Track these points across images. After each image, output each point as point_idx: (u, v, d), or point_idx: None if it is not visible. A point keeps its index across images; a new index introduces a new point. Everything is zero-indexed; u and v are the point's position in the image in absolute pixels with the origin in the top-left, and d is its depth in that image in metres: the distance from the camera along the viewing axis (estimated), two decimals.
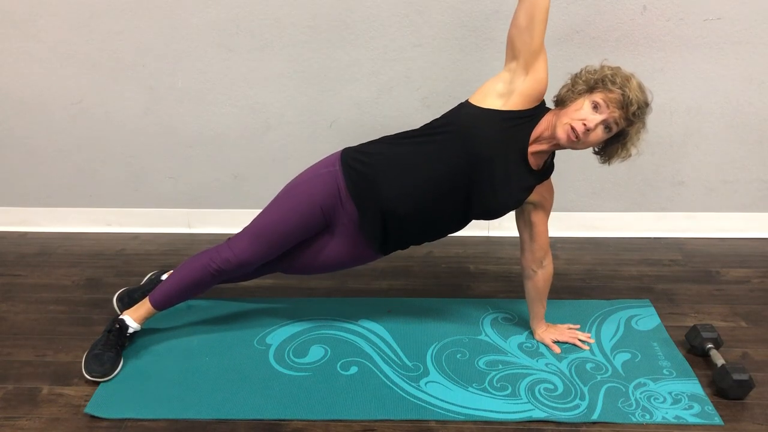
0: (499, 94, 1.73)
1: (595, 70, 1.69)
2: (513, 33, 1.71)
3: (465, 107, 1.76)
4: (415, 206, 1.77)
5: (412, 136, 1.81)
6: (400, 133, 1.86)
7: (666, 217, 2.73)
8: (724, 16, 2.31)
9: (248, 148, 2.63)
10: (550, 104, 1.80)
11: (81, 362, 1.90)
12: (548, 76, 1.73)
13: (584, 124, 1.64)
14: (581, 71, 1.72)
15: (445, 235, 1.90)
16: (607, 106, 1.64)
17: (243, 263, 1.89)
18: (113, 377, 1.88)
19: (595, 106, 1.65)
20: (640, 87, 1.65)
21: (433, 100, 2.49)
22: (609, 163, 1.78)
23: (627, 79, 1.64)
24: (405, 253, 1.95)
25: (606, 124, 1.66)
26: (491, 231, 2.75)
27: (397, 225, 1.81)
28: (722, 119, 2.51)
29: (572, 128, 1.65)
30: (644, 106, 1.65)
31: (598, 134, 1.67)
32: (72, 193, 2.77)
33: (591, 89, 1.67)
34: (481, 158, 1.72)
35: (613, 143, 1.72)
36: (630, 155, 1.73)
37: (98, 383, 1.86)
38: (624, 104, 1.62)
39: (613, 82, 1.63)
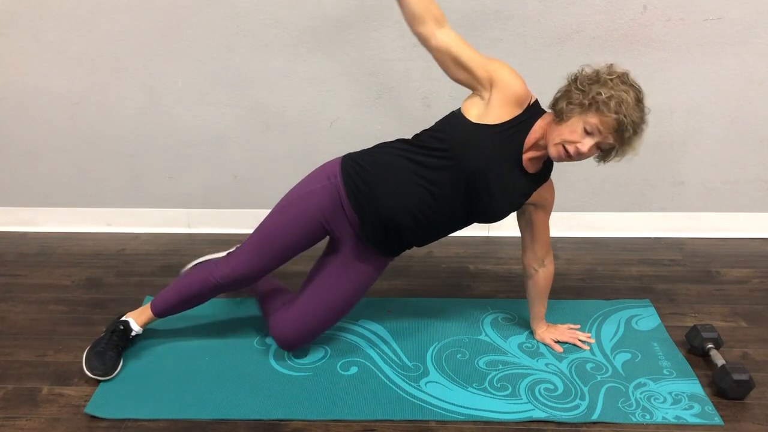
0: (480, 110, 1.71)
1: (591, 77, 1.63)
2: (452, 74, 1.73)
3: (456, 120, 1.73)
4: (414, 217, 1.77)
5: (408, 150, 1.78)
6: (398, 142, 1.83)
7: (666, 217, 2.73)
8: (724, 16, 2.31)
9: (248, 148, 2.63)
10: (544, 105, 1.77)
11: (81, 362, 1.90)
12: (514, 71, 1.69)
13: (577, 148, 1.62)
14: (579, 76, 1.66)
15: (449, 233, 1.89)
16: (600, 132, 1.60)
17: (241, 278, 1.89)
18: (112, 378, 1.88)
19: (590, 129, 1.61)
20: (638, 103, 1.59)
21: (433, 100, 2.49)
22: (605, 162, 1.74)
23: (622, 100, 1.57)
24: (405, 253, 1.96)
25: (599, 145, 1.64)
26: (491, 231, 2.75)
27: (399, 232, 1.80)
28: (722, 119, 2.51)
29: (565, 150, 1.63)
30: (640, 123, 1.61)
31: (592, 152, 1.66)
32: (72, 193, 2.77)
33: (586, 110, 1.61)
34: (476, 172, 1.71)
35: (610, 152, 1.69)
36: (625, 155, 1.70)
37: (98, 382, 1.86)
38: (619, 130, 1.58)
39: (608, 107, 1.57)
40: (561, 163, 1.74)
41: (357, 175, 1.81)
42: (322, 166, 1.90)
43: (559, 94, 1.70)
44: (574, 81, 1.66)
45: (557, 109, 1.68)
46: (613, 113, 1.57)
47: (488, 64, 1.69)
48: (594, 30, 2.34)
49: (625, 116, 1.56)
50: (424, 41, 1.71)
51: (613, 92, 1.58)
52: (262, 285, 2.17)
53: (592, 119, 1.60)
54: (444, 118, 1.79)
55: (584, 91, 1.61)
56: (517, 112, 1.70)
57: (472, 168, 1.71)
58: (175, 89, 2.52)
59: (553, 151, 1.66)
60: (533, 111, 1.74)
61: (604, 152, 1.70)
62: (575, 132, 1.62)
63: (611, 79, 1.60)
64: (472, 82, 1.71)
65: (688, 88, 2.44)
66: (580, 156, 1.65)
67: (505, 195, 1.76)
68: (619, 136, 1.60)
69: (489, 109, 1.69)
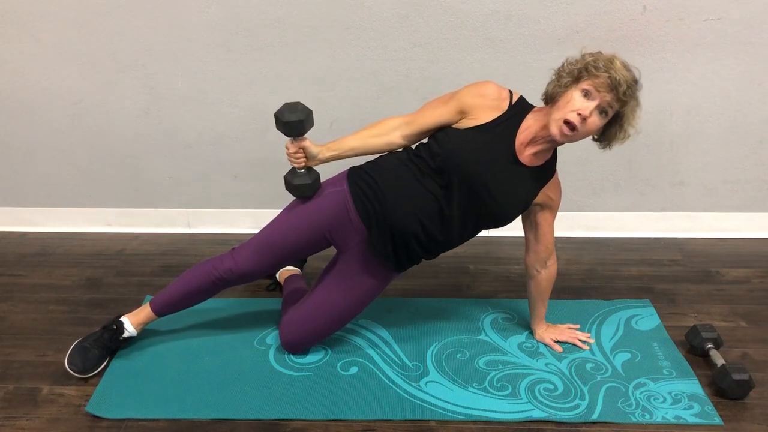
0: (464, 123, 1.77)
1: (576, 60, 1.68)
2: (429, 134, 1.82)
3: (445, 132, 1.78)
4: (422, 225, 1.78)
5: (411, 160, 1.82)
6: (402, 152, 1.87)
7: (666, 217, 2.73)
8: (724, 16, 2.31)
9: (248, 148, 2.63)
10: (537, 102, 1.79)
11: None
12: (478, 86, 1.75)
13: (579, 114, 1.62)
14: (563, 64, 1.70)
15: (459, 244, 1.89)
16: (598, 91, 1.62)
17: (244, 274, 1.90)
18: (90, 376, 1.88)
19: (586, 94, 1.63)
20: (625, 66, 1.63)
21: None
22: (609, 147, 1.75)
23: (610, 61, 1.62)
24: None
25: (600, 109, 1.64)
26: (491, 231, 2.75)
27: (407, 241, 1.80)
28: (722, 119, 2.51)
29: (567, 122, 1.63)
30: (633, 84, 1.63)
31: (595, 121, 1.65)
32: (72, 193, 2.77)
33: (577, 79, 1.65)
34: (470, 173, 1.72)
35: (612, 126, 1.70)
36: (629, 136, 1.70)
37: (98, 381, 1.86)
38: (613, 86, 1.60)
39: (597, 67, 1.61)
40: (566, 150, 1.74)
41: (363, 181, 1.83)
42: (330, 178, 1.93)
43: (550, 85, 1.73)
44: (561, 68, 1.71)
45: (550, 93, 1.71)
46: (603, 72, 1.60)
47: (449, 103, 1.77)
48: (594, 30, 2.34)
49: (615, 72, 1.60)
50: (401, 146, 1.85)
51: (598, 57, 1.64)
52: (288, 284, 2.20)
53: (586, 84, 1.63)
54: (435, 133, 1.82)
55: (571, 69, 1.66)
56: (498, 113, 1.73)
57: (466, 169, 1.72)
58: (176, 89, 2.52)
59: (554, 130, 1.65)
60: (519, 108, 1.76)
61: (604, 130, 1.71)
62: (572, 100, 1.64)
63: (594, 53, 1.67)
64: (446, 124, 1.79)
65: (688, 88, 2.44)
66: (584, 123, 1.63)
67: (508, 195, 1.76)
68: (615, 95, 1.61)
69: (470, 121, 1.75)
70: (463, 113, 1.76)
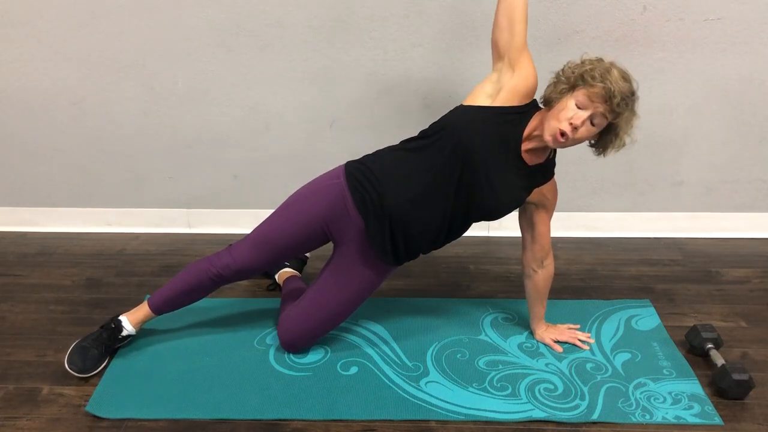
0: (488, 94, 1.78)
1: (576, 65, 1.69)
2: (496, 34, 1.78)
3: (457, 109, 1.80)
4: (419, 210, 1.77)
5: (409, 142, 1.83)
6: (401, 142, 1.88)
7: (666, 217, 2.73)
8: (724, 16, 2.31)
9: (248, 148, 2.63)
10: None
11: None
12: (536, 73, 1.76)
13: (571, 123, 1.64)
14: (564, 67, 1.72)
15: (451, 240, 1.89)
16: (591, 102, 1.63)
17: (242, 270, 1.90)
18: (90, 376, 1.88)
19: (580, 104, 1.64)
20: (623, 76, 1.63)
21: (433, 100, 2.49)
22: (604, 155, 1.77)
23: (607, 71, 1.62)
24: None
25: (593, 119, 1.65)
26: (491, 231, 2.75)
27: (404, 230, 1.80)
28: (722, 119, 2.51)
29: (560, 131, 1.64)
30: (629, 95, 1.63)
31: (585, 131, 1.66)
32: (72, 193, 2.77)
33: (573, 87, 1.67)
34: (474, 154, 1.73)
35: (607, 134, 1.71)
36: (624, 144, 1.71)
37: (98, 381, 1.86)
38: (607, 97, 1.61)
39: (594, 77, 1.62)
40: (565, 151, 1.75)
41: (360, 172, 1.83)
42: (326, 172, 1.92)
43: (548, 89, 1.75)
44: (561, 72, 1.73)
45: (547, 97, 1.74)
46: (599, 82, 1.61)
47: (526, 47, 1.77)
48: (594, 30, 2.34)
49: (611, 83, 1.60)
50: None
51: (596, 66, 1.65)
52: (287, 285, 2.21)
53: (580, 94, 1.64)
54: (447, 113, 1.83)
55: (570, 76, 1.68)
56: (521, 102, 1.76)
57: (470, 147, 1.72)
58: (175, 89, 2.52)
59: (547, 136, 1.67)
60: (534, 105, 1.80)
61: (600, 137, 1.72)
62: (566, 108, 1.66)
63: (593, 60, 1.68)
64: (505, 48, 1.77)
65: (688, 88, 2.44)
66: (575, 132, 1.65)
67: (505, 183, 1.77)
68: (609, 106, 1.62)
69: (500, 91, 1.76)
70: (515, 64, 1.75)
